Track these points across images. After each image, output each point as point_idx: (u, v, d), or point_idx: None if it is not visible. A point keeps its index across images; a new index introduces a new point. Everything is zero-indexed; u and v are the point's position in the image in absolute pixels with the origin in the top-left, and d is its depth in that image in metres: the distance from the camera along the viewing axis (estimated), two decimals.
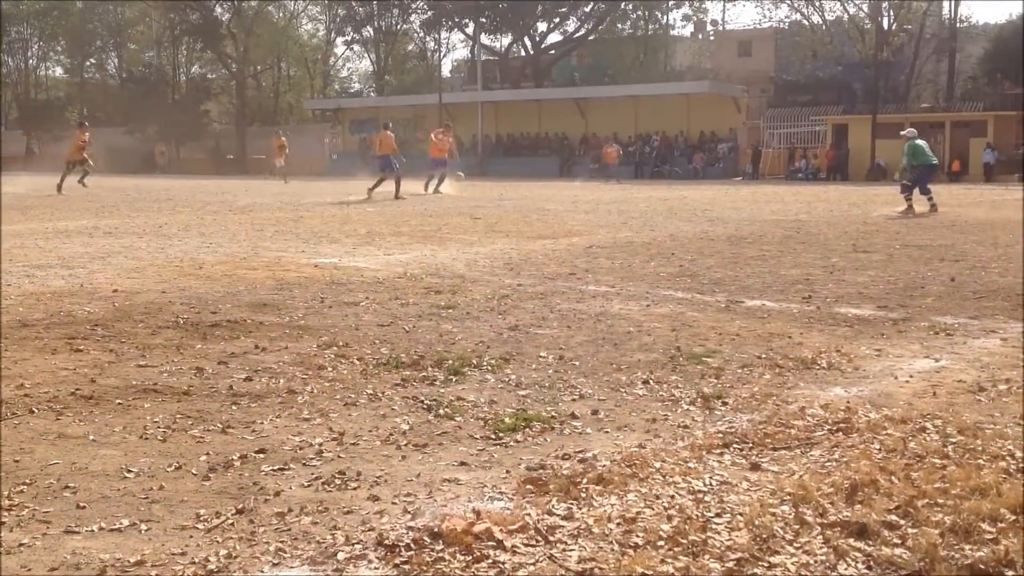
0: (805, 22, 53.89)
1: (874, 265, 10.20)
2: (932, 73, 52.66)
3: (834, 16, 51.84)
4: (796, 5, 53.87)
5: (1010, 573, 2.91)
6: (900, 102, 46.50)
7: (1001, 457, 3.95)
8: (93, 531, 3.22)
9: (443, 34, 66.23)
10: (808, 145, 44.93)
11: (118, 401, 4.83)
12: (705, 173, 44.84)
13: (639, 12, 57.80)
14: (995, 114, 38.98)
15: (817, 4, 52.48)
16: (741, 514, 3.37)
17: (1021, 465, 3.85)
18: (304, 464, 3.92)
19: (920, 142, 18.65)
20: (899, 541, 3.14)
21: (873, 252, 11.36)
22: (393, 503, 3.50)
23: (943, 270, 9.65)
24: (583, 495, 3.56)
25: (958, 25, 50.22)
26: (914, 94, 49.74)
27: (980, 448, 4.07)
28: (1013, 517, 3.29)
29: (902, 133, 19.46)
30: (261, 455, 4.03)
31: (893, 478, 3.68)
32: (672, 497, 3.55)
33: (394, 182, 25.07)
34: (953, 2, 50.29)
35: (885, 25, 47.77)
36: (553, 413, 4.70)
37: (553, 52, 63.01)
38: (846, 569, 2.95)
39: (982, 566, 2.94)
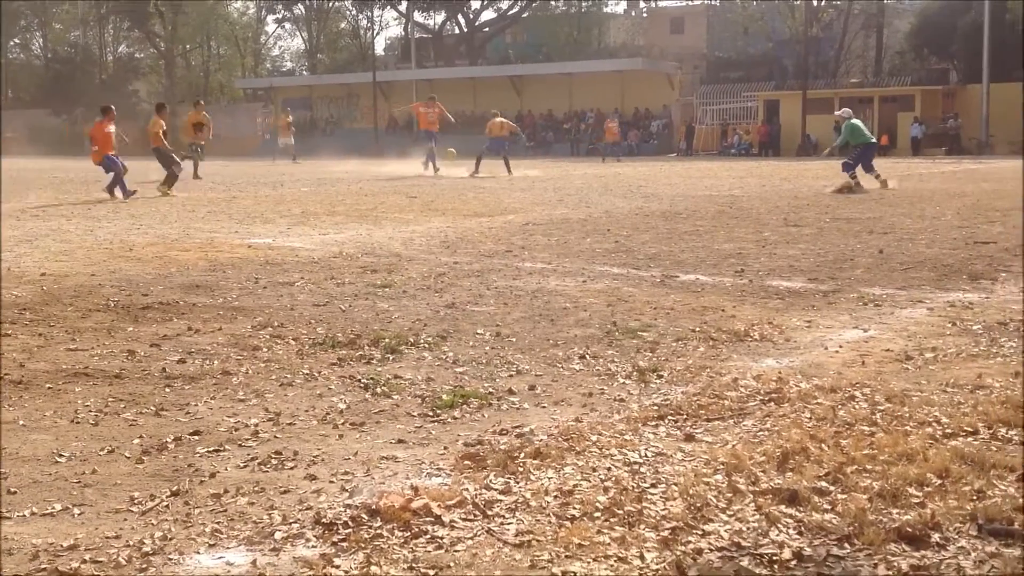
0: None
1: (805, 239, 10.36)
2: (861, 49, 53.42)
3: None
4: None
5: (936, 536, 2.99)
6: (830, 77, 47.14)
7: (927, 423, 4.05)
8: (25, 516, 3.17)
9: (376, 11, 65.66)
10: (740, 121, 45.39)
11: (48, 385, 4.75)
12: (640, 149, 45.10)
13: None
14: (922, 89, 39.71)
15: None
16: (676, 484, 3.42)
17: (947, 431, 3.95)
18: (240, 445, 3.90)
19: (856, 121, 18.87)
20: (829, 507, 3.21)
21: (804, 226, 11.54)
22: (330, 482, 3.49)
23: (872, 242, 9.83)
24: (521, 469, 3.58)
25: (885, 1, 50.98)
26: (843, 69, 50.47)
27: (907, 415, 4.16)
28: (939, 481, 3.38)
29: (836, 114, 19.66)
30: (196, 437, 3.99)
31: (823, 446, 3.76)
32: (608, 469, 3.59)
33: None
34: None
35: (815, 1, 48.32)
36: (490, 389, 4.72)
37: (487, 30, 62.83)
38: (777, 535, 3.01)
39: (909, 529, 3.02)
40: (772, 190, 18.53)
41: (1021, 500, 3.19)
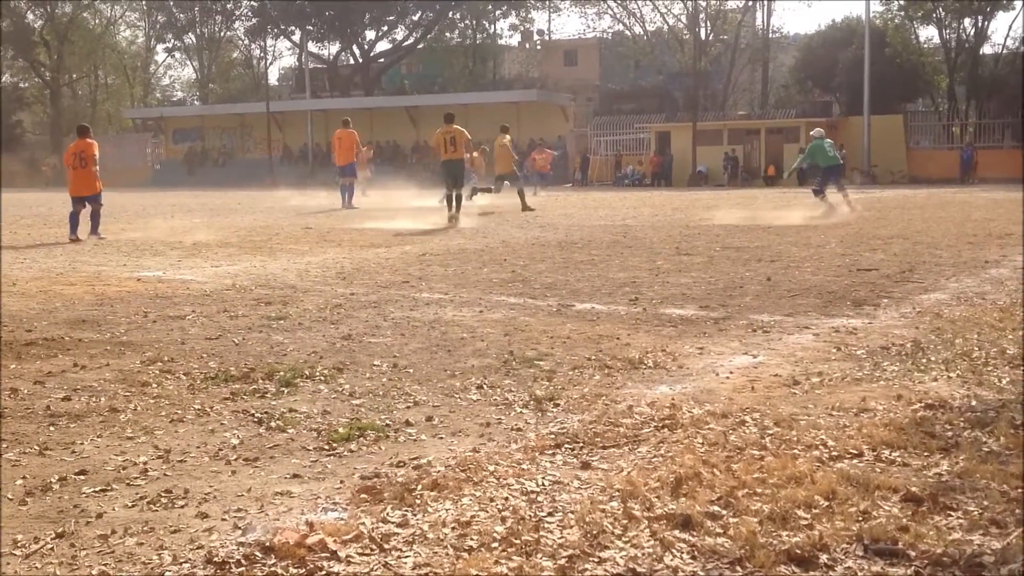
0: (627, 32, 55.37)
1: (696, 267, 10.57)
2: (748, 82, 54.90)
3: (654, 27, 53.47)
4: (618, 16, 55.30)
5: (824, 557, 3.07)
6: (718, 110, 48.31)
7: (814, 447, 4.16)
8: None
9: (269, 41, 65.01)
10: (633, 152, 46.16)
11: None
12: (533, 180, 45.41)
13: (467, 21, 58.14)
14: (806, 120, 40.94)
15: (638, 15, 54.02)
16: (572, 512, 3.45)
17: (833, 454, 4.06)
18: (128, 484, 3.79)
19: (826, 143, 18.97)
20: (721, 530, 3.27)
21: (695, 255, 11.77)
22: (223, 519, 3.42)
23: (760, 270, 10.08)
24: (418, 501, 3.57)
25: (770, 35, 52.53)
26: (731, 102, 51.76)
27: (795, 438, 4.27)
28: (826, 503, 3.47)
29: (812, 133, 19.94)
30: (82, 476, 3.87)
31: (715, 470, 3.83)
32: (506, 499, 3.60)
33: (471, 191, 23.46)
34: (765, 13, 52.37)
35: (703, 35, 49.57)
36: (387, 421, 4.69)
37: (382, 60, 62.78)
38: (672, 560, 3.05)
39: (798, 551, 3.09)
40: (665, 220, 18.87)
41: (905, 520, 3.30)
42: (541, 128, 48.20)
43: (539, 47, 63.20)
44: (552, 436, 4.39)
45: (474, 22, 58.30)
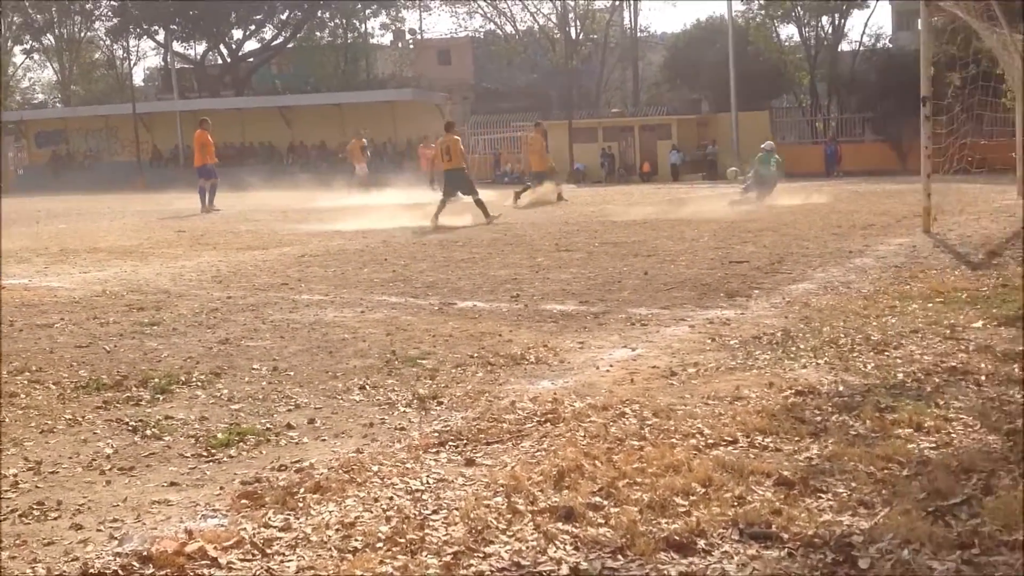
0: (499, 32, 55.62)
1: (576, 263, 10.69)
2: (619, 80, 55.70)
3: (525, 26, 53.83)
4: (489, 15, 55.55)
5: (702, 542, 3.15)
6: (592, 108, 48.90)
7: (691, 435, 4.27)
8: None
9: (132, 41, 63.02)
10: (512, 150, 46.40)
11: None
12: (416, 180, 45.22)
13: (337, 21, 57.49)
14: (678, 118, 41.75)
15: (508, 15, 54.32)
16: (457, 509, 3.47)
17: (709, 441, 4.18)
18: None
19: (772, 159, 20.53)
20: (603, 521, 3.33)
21: (575, 251, 11.91)
22: (98, 530, 3.33)
23: (637, 265, 10.26)
24: (300, 505, 3.54)
25: (639, 35, 53.41)
26: (604, 100, 52.46)
27: (673, 428, 4.38)
28: (703, 490, 3.57)
29: (762, 146, 20.90)
30: None
31: (596, 462, 3.90)
32: (390, 499, 3.60)
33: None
34: (632, 13, 53.23)
35: (573, 35, 50.09)
36: (268, 425, 4.63)
37: (252, 60, 61.61)
38: (555, 552, 3.10)
39: (677, 537, 3.17)
40: (544, 216, 18.98)
41: (778, 504, 3.41)
42: (418, 127, 47.97)
43: (412, 46, 62.94)
44: (436, 434, 4.40)
45: (344, 21, 57.69)
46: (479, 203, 17.71)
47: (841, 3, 40.70)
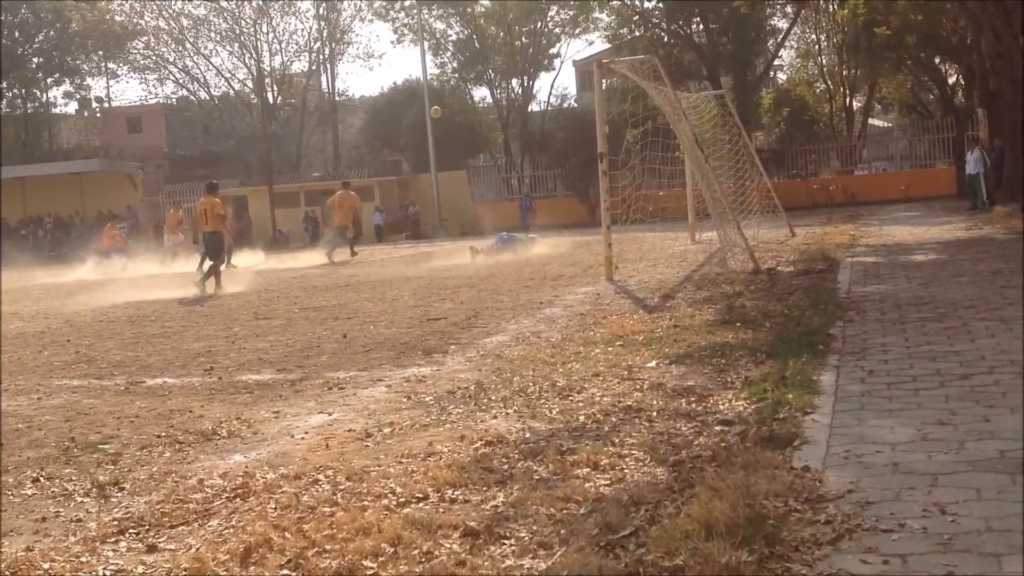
0: (193, 98, 54.23)
1: (275, 330, 10.52)
2: (320, 143, 55.66)
3: (220, 92, 52.82)
4: (181, 81, 54.06)
5: None
6: (293, 172, 48.54)
7: (384, 495, 4.30)
8: None
9: None
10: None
11: None
12: (122, 251, 43.03)
13: (15, 90, 54.15)
14: (379, 179, 42.17)
15: (202, 80, 53.13)
16: None
17: (401, 500, 4.21)
18: None
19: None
20: None
21: (273, 318, 11.71)
22: None
23: (337, 328, 10.23)
24: None
25: (337, 99, 53.71)
26: (305, 163, 52.22)
27: (366, 490, 4.39)
28: (392, 549, 3.59)
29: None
30: None
31: (286, 533, 3.84)
32: None
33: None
34: (330, 77, 53.48)
35: (271, 99, 49.70)
36: None
37: None
38: None
39: None
40: (246, 285, 18.55)
41: (463, 555, 3.49)
42: (109, 199, 45.77)
43: (99, 115, 60.17)
44: (116, 523, 4.19)
45: (23, 91, 54.48)
46: (214, 270, 17.17)
47: (529, 66, 42.74)
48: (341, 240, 24.52)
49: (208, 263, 17.68)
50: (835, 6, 36.67)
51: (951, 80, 36.06)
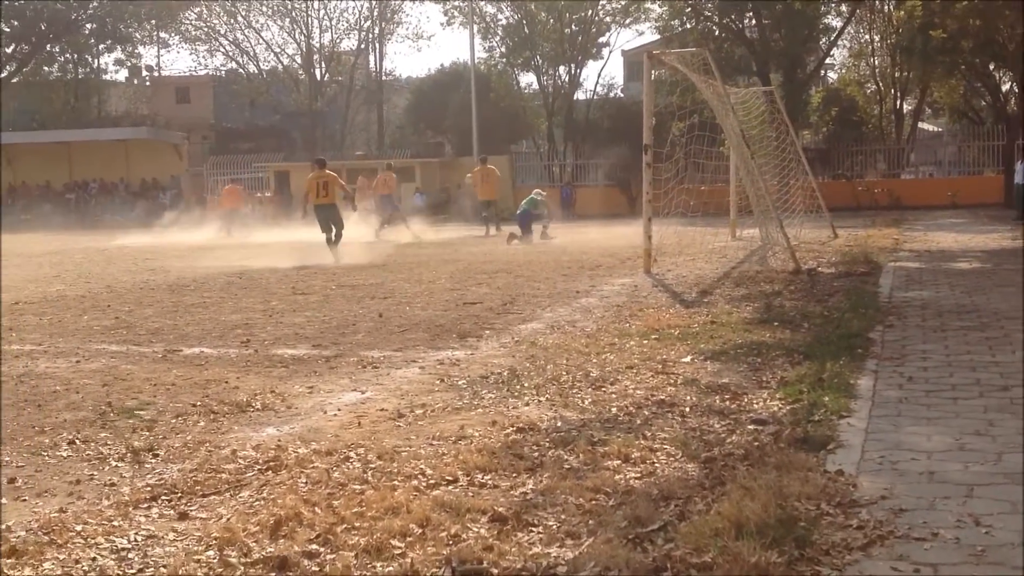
0: (242, 71, 54.55)
1: (311, 306, 10.57)
2: (364, 122, 55.80)
3: (269, 66, 53.09)
4: (231, 54, 54.39)
5: None
6: (337, 149, 48.74)
7: (414, 476, 4.31)
8: None
9: None
10: (253, 191, 45.42)
11: None
12: (149, 221, 43.45)
13: (67, 55, 54.66)
14: (421, 160, 42.30)
15: (252, 54, 53.42)
16: (165, 566, 3.35)
17: (431, 482, 4.23)
18: None
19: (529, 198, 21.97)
20: (317, 569, 3.31)
21: (311, 294, 11.78)
22: None
23: (373, 307, 10.27)
24: None
25: (383, 78, 53.82)
26: (349, 141, 52.41)
27: (396, 470, 4.40)
28: (420, 530, 3.60)
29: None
30: None
31: (316, 509, 3.86)
32: (93, 559, 3.43)
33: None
34: (378, 56, 53.60)
35: (318, 76, 49.90)
36: None
37: None
38: None
39: None
40: (282, 259, 18.65)
41: (490, 540, 3.49)
42: (154, 167, 46.21)
43: (148, 84, 60.65)
44: (149, 488, 4.23)
45: (75, 56, 54.99)
46: (336, 238, 17.75)
47: (576, 54, 42.56)
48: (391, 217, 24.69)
49: (334, 234, 17.94)
50: (891, 7, 36.23)
51: (1004, 87, 35.49)
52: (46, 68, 54.98)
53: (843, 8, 35.68)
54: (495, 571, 3.24)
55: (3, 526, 3.76)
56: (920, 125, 42.24)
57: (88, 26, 53.50)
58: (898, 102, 39.45)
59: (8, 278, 15.20)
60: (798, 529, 3.42)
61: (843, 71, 44.70)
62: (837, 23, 37.50)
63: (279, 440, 4.98)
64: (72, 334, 8.95)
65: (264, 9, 50.25)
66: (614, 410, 5.39)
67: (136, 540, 3.61)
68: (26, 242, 24.88)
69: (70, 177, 47.16)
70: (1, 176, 44.12)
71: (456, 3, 43.32)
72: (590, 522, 3.64)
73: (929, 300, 9.55)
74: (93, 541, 3.60)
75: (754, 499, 3.64)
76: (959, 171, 35.40)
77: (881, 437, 4.68)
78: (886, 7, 36.86)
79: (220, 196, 33.39)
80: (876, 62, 40.86)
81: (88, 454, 4.85)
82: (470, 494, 4.04)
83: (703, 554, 3.26)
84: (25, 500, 4.15)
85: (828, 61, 41.59)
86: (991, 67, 32.90)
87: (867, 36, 41.51)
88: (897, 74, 38.27)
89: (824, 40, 37.21)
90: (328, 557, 3.39)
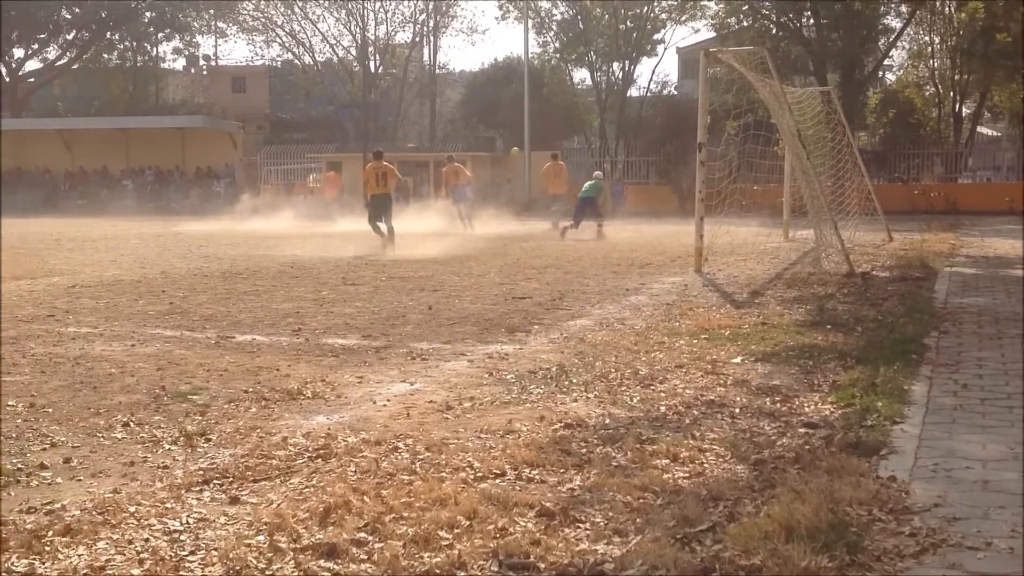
0: (297, 62, 55.00)
1: (362, 296, 10.65)
2: (417, 115, 56.01)
3: (324, 58, 53.46)
4: (287, 45, 54.83)
5: (461, 574, 3.20)
6: (389, 142, 48.98)
7: (462, 468, 4.32)
8: None
9: None
10: (305, 181, 45.78)
11: None
12: (203, 209, 43.96)
13: (127, 43, 55.44)
14: (473, 154, 42.40)
15: (308, 45, 53.81)
16: (216, 549, 3.38)
17: (478, 475, 4.24)
18: None
19: (590, 182, 22.00)
20: (366, 557, 3.33)
21: (361, 284, 11.86)
22: None
23: (423, 299, 10.31)
24: (47, 549, 3.37)
25: (437, 72, 53.99)
26: (401, 134, 52.63)
27: (444, 462, 4.42)
28: (467, 522, 3.62)
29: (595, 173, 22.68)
30: None
31: (365, 497, 3.89)
32: (146, 540, 3.48)
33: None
34: (432, 50, 53.80)
35: (372, 68, 50.15)
36: (20, 465, 4.39)
37: (32, 80, 58.56)
38: None
39: (437, 571, 3.20)
40: (336, 249, 18.80)
41: (538, 535, 3.50)
42: (209, 156, 46.76)
43: (205, 73, 61.35)
44: (201, 472, 4.29)
45: (135, 44, 55.77)
46: (389, 231, 17.96)
47: (631, 51, 42.39)
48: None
49: (383, 224, 18.18)
50: (952, 8, 35.65)
51: None
52: (105, 55, 55.80)
53: (903, 9, 35.16)
54: (542, 565, 3.24)
55: (2, 521, 3.82)
56: (979, 129, 41.55)
57: (147, 15, 54.23)
58: (957, 105, 38.82)
59: (65, 262, 15.48)
60: (849, 534, 3.38)
61: (901, 73, 44.09)
62: (896, 24, 36.99)
63: (329, 428, 5.02)
64: (127, 318, 9.09)
65: (321, 1, 50.56)
66: (663, 409, 5.37)
67: (188, 522, 3.66)
68: (81, 226, 25.28)
69: (127, 163, 47.85)
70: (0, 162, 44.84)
71: None
72: (638, 520, 3.63)
73: (985, 307, 9.40)
74: (146, 522, 3.65)
75: (805, 503, 3.61)
76: (1018, 177, 34.77)
77: (935, 444, 4.62)
78: (947, 8, 36.28)
79: (322, 184, 33.83)
80: (935, 64, 40.23)
81: (142, 436, 4.92)
82: (517, 488, 4.05)
83: (752, 556, 3.24)
84: (80, 480, 4.23)
85: (886, 62, 41.04)
86: None
87: (927, 38, 40.90)
88: (957, 77, 37.66)
89: (883, 41, 36.69)
90: (376, 546, 3.41)
